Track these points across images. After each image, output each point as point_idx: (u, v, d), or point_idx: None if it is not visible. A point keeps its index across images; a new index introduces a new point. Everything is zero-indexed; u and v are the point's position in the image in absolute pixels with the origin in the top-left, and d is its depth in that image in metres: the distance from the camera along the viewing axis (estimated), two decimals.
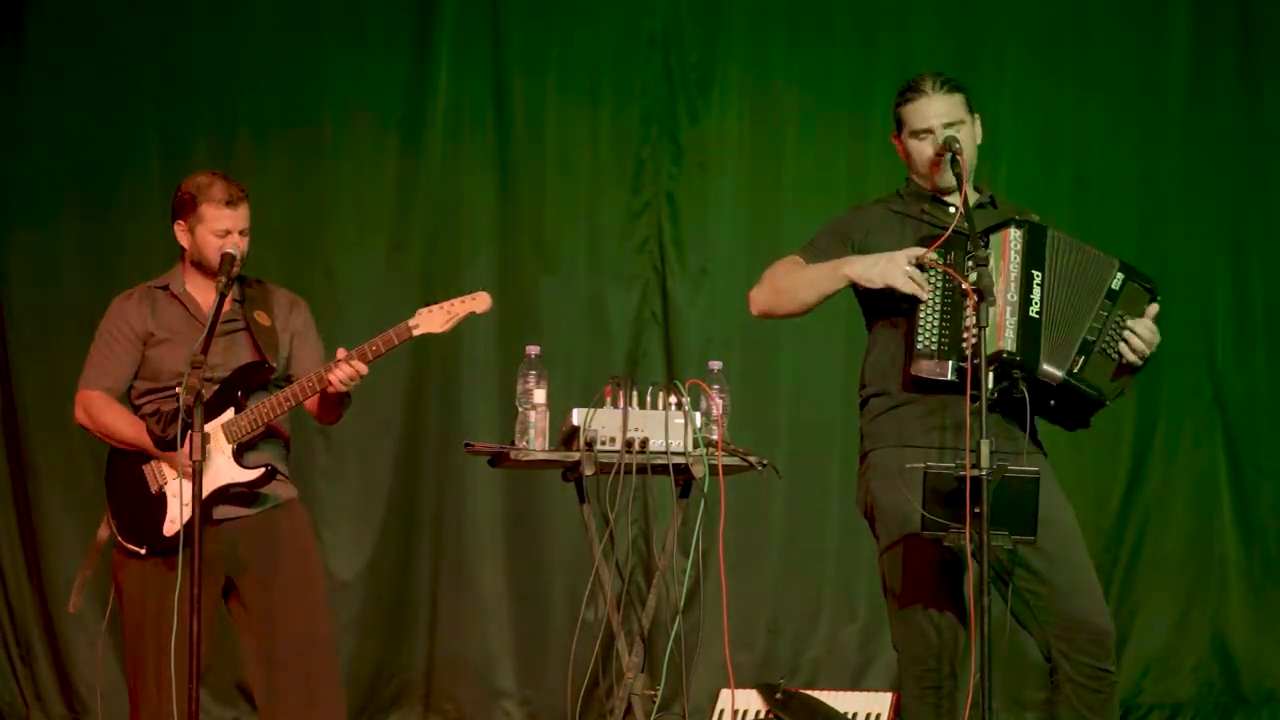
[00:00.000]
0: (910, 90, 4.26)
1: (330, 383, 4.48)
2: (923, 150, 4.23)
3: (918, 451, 4.11)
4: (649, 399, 4.85)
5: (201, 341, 4.19)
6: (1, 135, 6.97)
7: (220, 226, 4.58)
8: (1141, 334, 4.15)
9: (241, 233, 4.60)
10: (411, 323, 4.54)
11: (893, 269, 4.08)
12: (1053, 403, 4.14)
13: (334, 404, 4.65)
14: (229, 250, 4.48)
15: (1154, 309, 4.18)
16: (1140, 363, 4.17)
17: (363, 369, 4.49)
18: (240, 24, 7.05)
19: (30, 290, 6.94)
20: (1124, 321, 4.14)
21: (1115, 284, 4.15)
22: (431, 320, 4.54)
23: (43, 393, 6.77)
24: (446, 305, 4.55)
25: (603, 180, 7.15)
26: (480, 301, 4.58)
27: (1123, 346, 4.14)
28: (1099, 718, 4.10)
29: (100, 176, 6.97)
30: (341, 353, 4.52)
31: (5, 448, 6.90)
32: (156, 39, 7.02)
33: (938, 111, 4.22)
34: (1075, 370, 4.09)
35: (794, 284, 4.24)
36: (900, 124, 4.29)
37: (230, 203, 4.58)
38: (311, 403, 4.66)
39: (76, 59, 6.97)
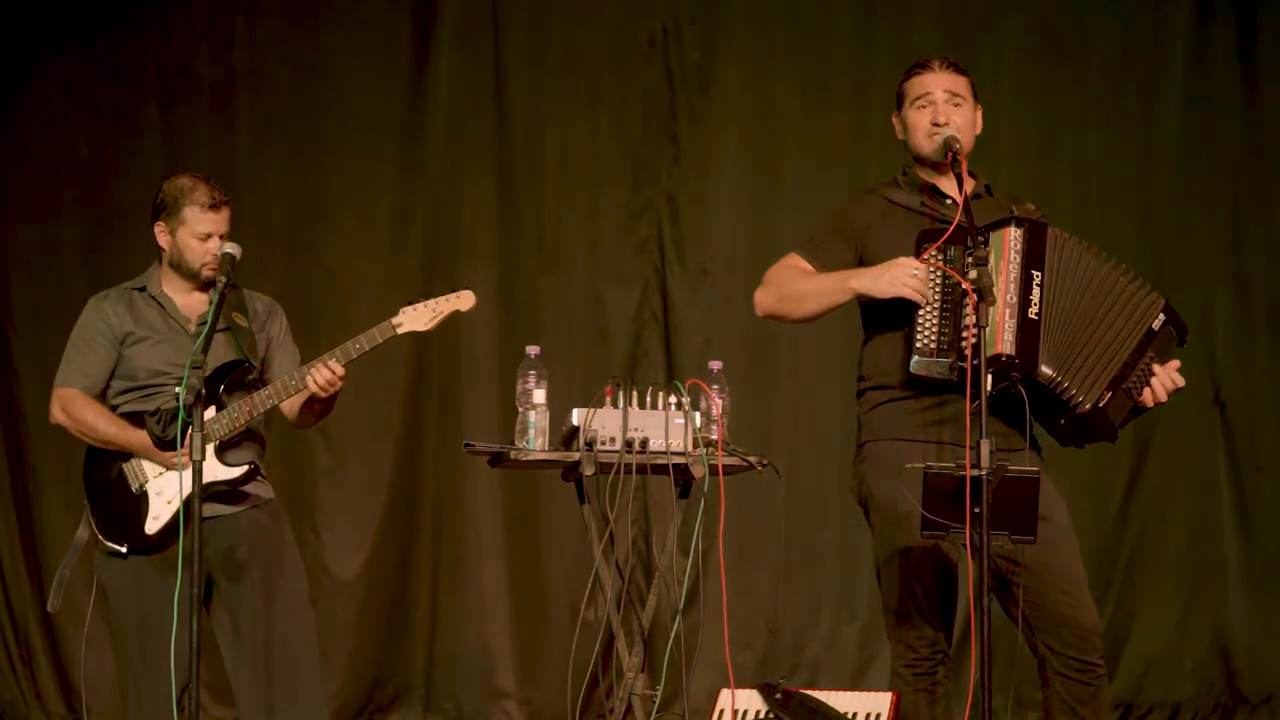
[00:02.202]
0: (917, 66, 4.32)
1: (307, 385, 4.48)
2: (919, 119, 4.25)
3: (914, 446, 4.12)
4: (649, 399, 4.85)
5: (202, 341, 4.17)
6: (1, 135, 6.97)
7: (203, 230, 4.57)
8: (1165, 383, 4.17)
9: (222, 237, 4.58)
10: (395, 320, 4.53)
11: (897, 280, 4.09)
12: (1062, 422, 4.14)
13: (312, 407, 4.64)
14: (229, 250, 4.46)
15: (1176, 363, 4.20)
16: (1152, 404, 4.18)
17: (340, 371, 4.47)
18: (240, 24, 7.05)
19: (30, 290, 6.94)
20: (1152, 365, 4.16)
21: (1156, 324, 4.17)
22: (416, 319, 4.53)
23: (43, 393, 6.67)
24: (431, 303, 4.54)
25: (603, 180, 7.15)
26: (465, 300, 4.57)
27: (1146, 392, 4.16)
28: (1089, 710, 4.10)
29: (100, 176, 6.98)
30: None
31: (5, 448, 6.91)
32: (156, 39, 7.02)
33: (940, 83, 4.25)
34: (1102, 404, 4.10)
35: (800, 293, 4.26)
36: (901, 99, 4.31)
37: (214, 206, 4.57)
38: (289, 405, 4.64)
39: (76, 59, 6.98)
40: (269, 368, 4.70)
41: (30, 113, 6.99)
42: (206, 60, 7.04)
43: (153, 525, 4.52)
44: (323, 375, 4.46)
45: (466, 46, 7.10)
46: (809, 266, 4.28)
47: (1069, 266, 4.12)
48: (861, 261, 4.25)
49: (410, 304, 4.56)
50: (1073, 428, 4.15)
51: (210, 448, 4.48)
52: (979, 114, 4.33)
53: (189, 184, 4.59)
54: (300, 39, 7.08)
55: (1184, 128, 7.19)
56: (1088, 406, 4.09)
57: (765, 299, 4.32)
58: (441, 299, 4.56)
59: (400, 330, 4.53)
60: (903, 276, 4.08)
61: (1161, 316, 4.18)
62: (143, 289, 4.67)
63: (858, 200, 4.38)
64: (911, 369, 4.09)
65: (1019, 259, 4.07)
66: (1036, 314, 4.05)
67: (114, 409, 4.62)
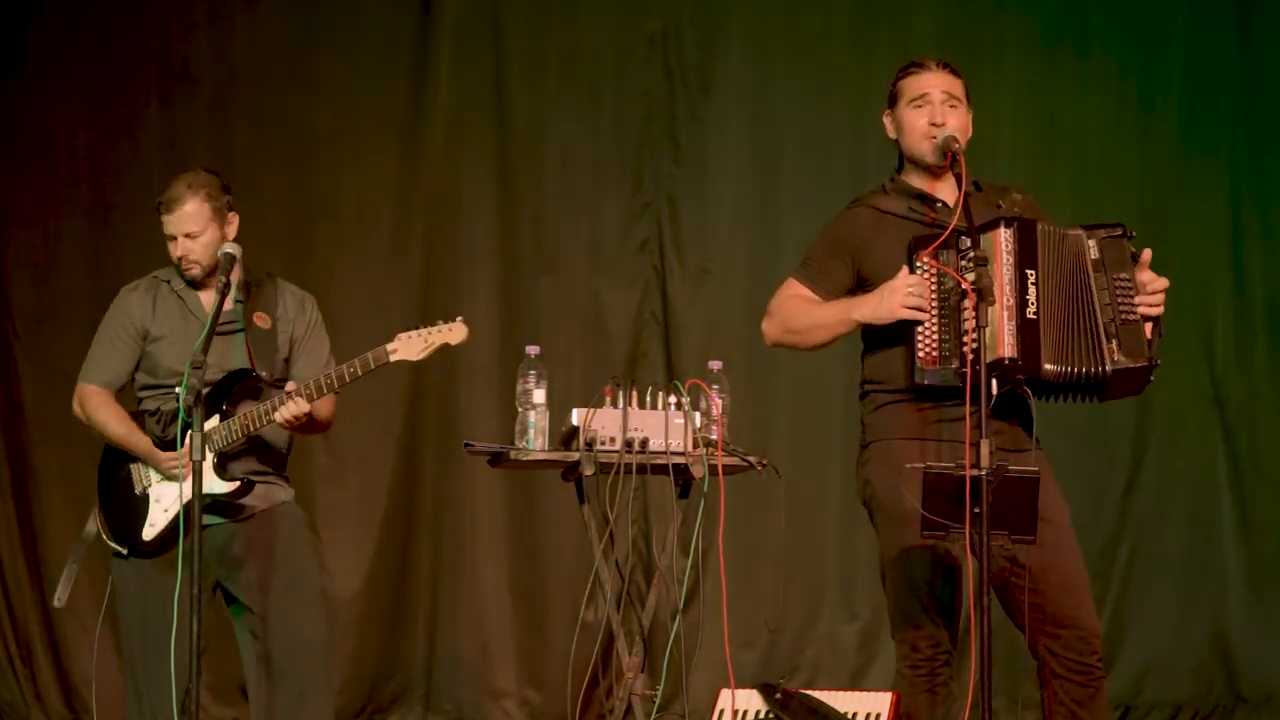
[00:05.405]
0: (912, 65, 4.29)
1: (274, 418, 4.48)
2: (916, 119, 4.22)
3: (918, 444, 4.11)
4: (649, 399, 4.85)
5: (202, 342, 4.16)
6: (1, 134, 6.97)
7: (166, 232, 4.57)
8: (1148, 284, 4.12)
9: (188, 235, 4.56)
10: (390, 348, 4.54)
11: (896, 305, 4.09)
12: (1099, 395, 4.12)
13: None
14: (229, 250, 4.44)
15: (1147, 255, 4.15)
16: (1160, 310, 4.14)
17: (305, 408, 4.45)
18: (240, 24, 7.05)
19: (30, 290, 6.94)
20: (1125, 281, 4.12)
21: (1094, 253, 4.13)
22: (409, 347, 4.54)
23: (43, 393, 6.77)
24: (424, 333, 4.55)
25: (603, 180, 7.15)
26: (456, 333, 4.57)
27: (1141, 308, 4.12)
28: (1088, 711, 4.10)
29: (100, 176, 6.98)
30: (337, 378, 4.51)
31: (5, 448, 6.91)
32: (156, 39, 7.03)
33: (937, 84, 4.23)
34: (1115, 357, 4.08)
35: (804, 327, 4.27)
36: (895, 98, 4.29)
37: (163, 207, 4.56)
38: None
39: (76, 59, 6.98)
40: (292, 366, 4.69)
41: (30, 113, 6.99)
42: (206, 60, 7.04)
43: (149, 532, 4.53)
44: (289, 411, 4.46)
45: (466, 47, 7.10)
46: (809, 293, 4.27)
47: (1057, 258, 4.11)
48: (859, 276, 4.24)
49: (405, 331, 4.56)
50: (1116, 385, 4.10)
51: (211, 459, 4.46)
52: (971, 117, 4.31)
53: (169, 183, 4.59)
54: (300, 39, 7.08)
55: (1183, 127, 7.19)
56: (1108, 369, 4.06)
57: (771, 331, 4.34)
58: (434, 329, 4.56)
59: (394, 358, 4.54)
60: (900, 300, 4.08)
61: (1091, 243, 4.12)
62: (169, 281, 4.67)
63: (846, 215, 4.35)
64: (915, 380, 4.09)
65: (1012, 260, 4.06)
66: (1034, 313, 4.04)
67: (139, 402, 4.63)
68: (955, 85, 4.25)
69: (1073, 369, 4.06)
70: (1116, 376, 4.08)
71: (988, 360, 3.92)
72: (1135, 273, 4.11)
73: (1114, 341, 4.08)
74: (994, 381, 3.91)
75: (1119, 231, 4.14)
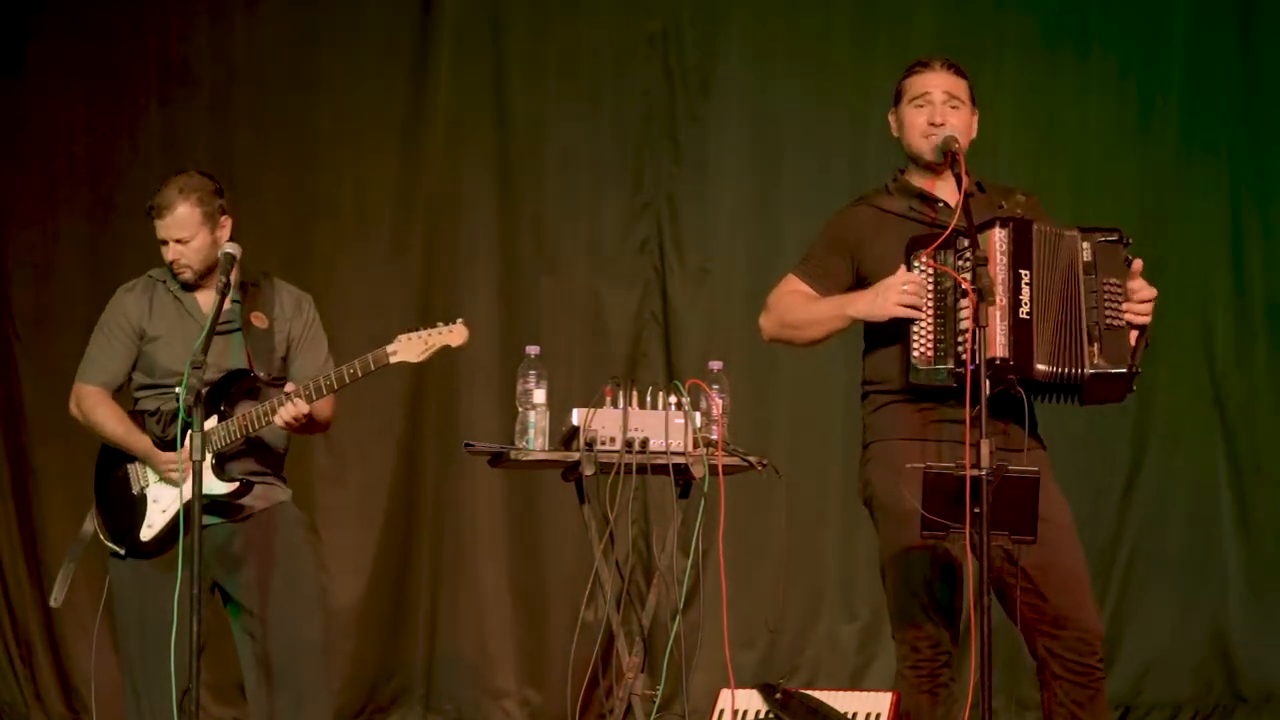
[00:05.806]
0: (917, 64, 4.32)
1: (274, 420, 4.48)
2: (916, 118, 4.25)
3: (919, 445, 4.11)
4: (649, 399, 4.85)
5: (202, 341, 4.15)
6: (2, 134, 6.97)
7: (158, 237, 4.58)
8: (1137, 292, 4.13)
9: (179, 240, 4.56)
10: (390, 349, 4.53)
11: (890, 301, 4.10)
12: (1078, 398, 4.13)
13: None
14: (229, 250, 4.43)
15: (1138, 264, 4.15)
16: (1148, 319, 4.14)
17: (305, 409, 4.46)
18: (240, 24, 7.06)
19: (30, 290, 6.94)
20: (1114, 286, 4.11)
21: (1086, 255, 4.13)
22: (409, 349, 4.54)
23: (43, 393, 6.77)
24: (424, 335, 4.55)
25: (603, 180, 7.15)
26: (456, 335, 4.57)
27: (1128, 315, 4.12)
28: (1089, 712, 4.10)
29: (100, 176, 6.98)
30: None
31: (5, 448, 6.91)
32: (156, 39, 7.03)
33: (939, 84, 4.25)
34: (1096, 361, 4.08)
35: (801, 322, 4.29)
36: (899, 96, 4.31)
37: (154, 214, 4.57)
38: None
39: (76, 59, 6.98)
40: (290, 365, 4.68)
41: (30, 113, 6.99)
42: (206, 60, 7.04)
43: (147, 533, 4.53)
44: (289, 412, 4.46)
45: (466, 47, 7.10)
46: (807, 289, 4.29)
47: (1051, 259, 4.11)
48: (859, 274, 4.26)
49: (405, 333, 4.55)
50: (1094, 389, 4.11)
51: (209, 460, 4.45)
52: (975, 119, 4.32)
53: (160, 187, 4.59)
54: (300, 39, 7.08)
55: (1183, 128, 7.19)
56: (1088, 371, 4.06)
57: (768, 326, 4.36)
58: (434, 331, 4.56)
59: (394, 359, 4.53)
60: (894, 297, 4.09)
61: (1085, 245, 4.12)
62: (165, 281, 4.66)
63: (848, 212, 4.37)
64: (910, 379, 4.09)
65: (1006, 260, 4.06)
66: (1027, 314, 4.04)
67: (136, 401, 4.62)
68: (958, 86, 4.27)
69: (1057, 369, 4.07)
70: (1094, 380, 4.09)
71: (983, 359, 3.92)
72: (1126, 280, 4.12)
73: (1095, 345, 4.08)
74: (986, 382, 3.91)
75: (1114, 236, 4.15)
